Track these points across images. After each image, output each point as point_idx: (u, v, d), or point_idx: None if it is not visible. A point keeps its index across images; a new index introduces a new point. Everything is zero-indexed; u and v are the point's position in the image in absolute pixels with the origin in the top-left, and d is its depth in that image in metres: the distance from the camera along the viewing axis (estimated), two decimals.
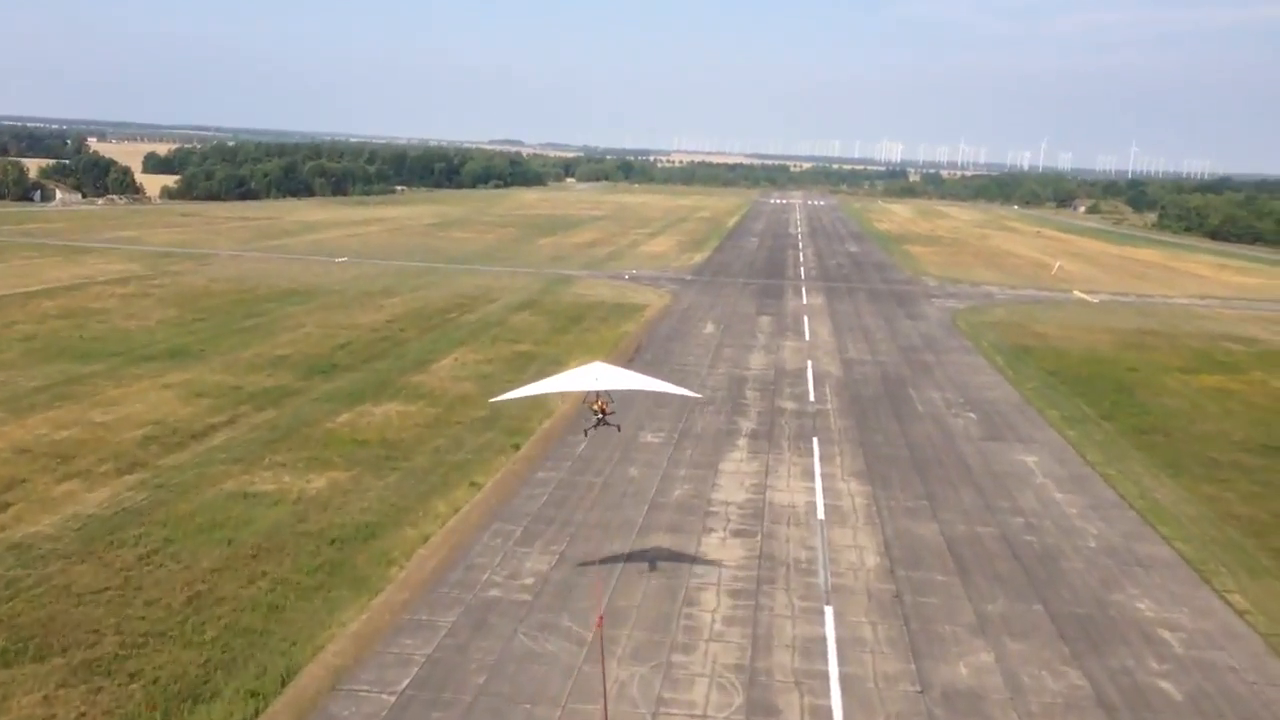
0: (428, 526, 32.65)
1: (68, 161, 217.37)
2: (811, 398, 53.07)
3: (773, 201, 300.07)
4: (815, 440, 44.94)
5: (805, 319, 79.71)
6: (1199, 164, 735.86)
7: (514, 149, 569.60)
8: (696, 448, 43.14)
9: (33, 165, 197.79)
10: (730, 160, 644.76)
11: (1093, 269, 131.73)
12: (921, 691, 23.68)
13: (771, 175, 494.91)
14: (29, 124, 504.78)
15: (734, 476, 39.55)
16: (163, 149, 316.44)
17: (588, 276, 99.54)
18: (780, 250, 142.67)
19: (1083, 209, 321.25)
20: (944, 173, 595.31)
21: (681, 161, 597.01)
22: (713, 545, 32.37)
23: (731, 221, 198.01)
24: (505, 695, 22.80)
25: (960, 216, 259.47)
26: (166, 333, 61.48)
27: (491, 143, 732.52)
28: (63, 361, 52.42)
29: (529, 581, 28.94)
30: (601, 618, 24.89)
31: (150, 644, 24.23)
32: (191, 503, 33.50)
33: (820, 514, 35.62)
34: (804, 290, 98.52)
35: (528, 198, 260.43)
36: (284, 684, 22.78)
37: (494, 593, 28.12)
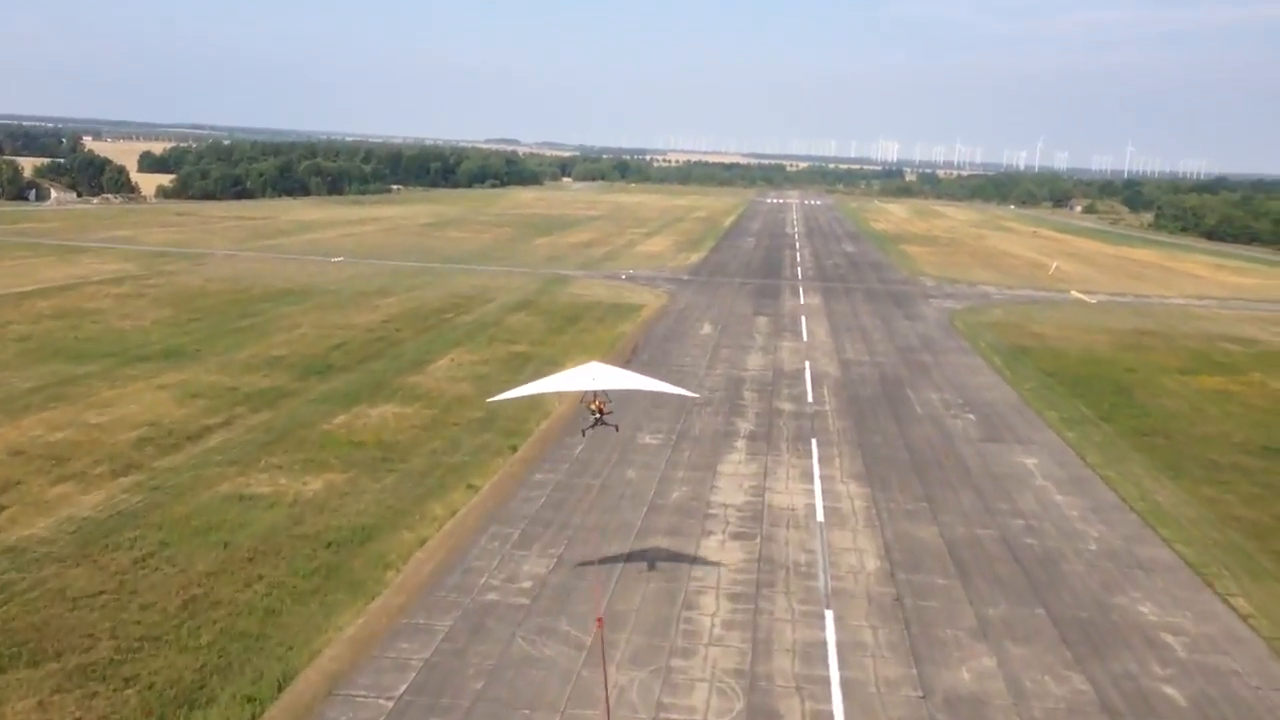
0: (424, 529, 32.44)
1: (63, 160, 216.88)
2: (810, 399, 52.89)
3: (769, 201, 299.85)
4: (814, 442, 44.76)
5: (802, 319, 79.53)
6: (1195, 164, 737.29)
7: (510, 148, 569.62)
8: (695, 449, 42.94)
9: (27, 164, 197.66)
10: (727, 160, 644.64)
11: (1089, 269, 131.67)
12: (923, 697, 23.50)
13: (768, 175, 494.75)
14: (24, 123, 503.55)
15: (732, 478, 39.35)
16: (158, 148, 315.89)
17: (584, 276, 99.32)
18: (777, 250, 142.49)
19: (1079, 209, 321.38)
20: (940, 172, 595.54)
21: (678, 161, 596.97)
22: (712, 548, 32.17)
23: (728, 221, 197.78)
24: (503, 700, 22.60)
25: (957, 216, 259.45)
26: (161, 333, 61.20)
27: (488, 142, 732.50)
28: (57, 362, 52.15)
29: (527, 585, 28.73)
30: (601, 619, 24.71)
31: (145, 649, 24.01)
32: (187, 505, 33.27)
33: (820, 516, 35.43)
34: (801, 290, 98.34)
35: (524, 197, 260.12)
36: (280, 689, 22.58)
37: (491, 596, 27.92)
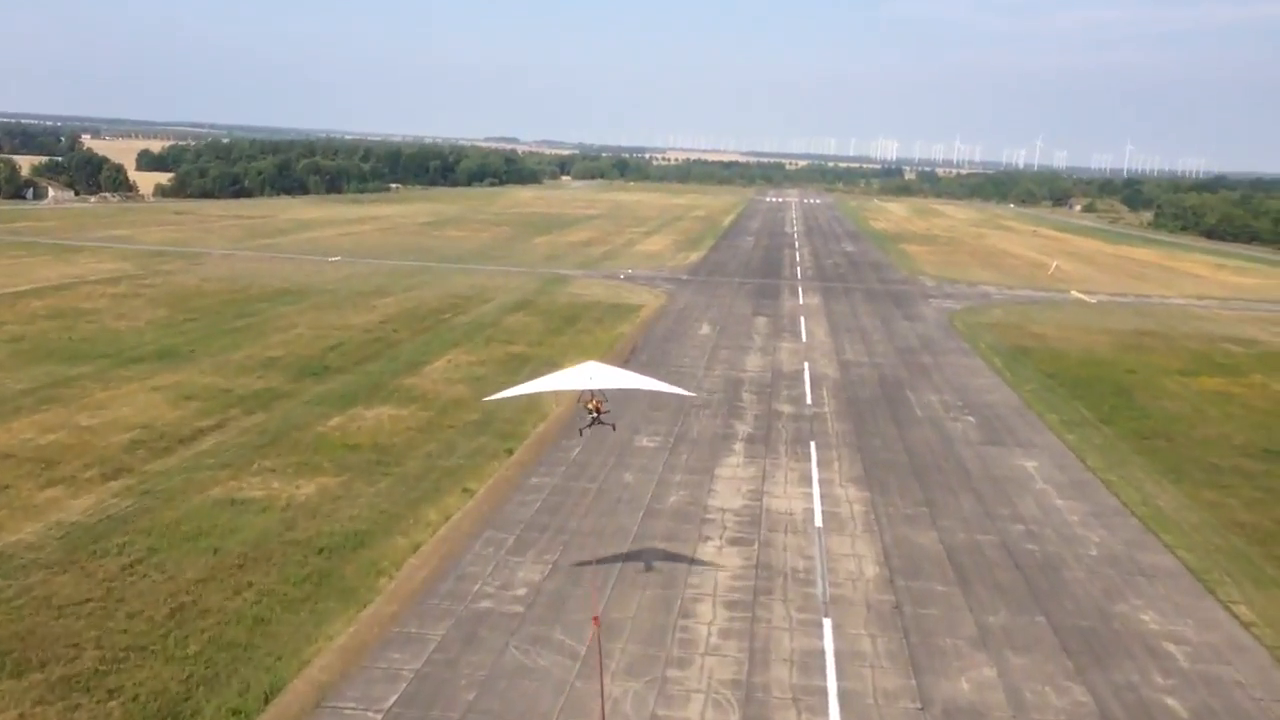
0: (418, 535, 32.04)
1: (60, 159, 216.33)
2: (809, 400, 52.51)
3: (768, 200, 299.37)
4: (813, 445, 44.38)
5: (802, 320, 79.15)
6: (1194, 162, 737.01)
7: (509, 146, 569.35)
8: (692, 452, 42.56)
9: (25, 163, 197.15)
10: (726, 158, 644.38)
11: (1089, 268, 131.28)
12: (922, 709, 23.11)
13: (767, 173, 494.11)
14: (23, 121, 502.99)
15: (730, 482, 38.98)
16: (156, 146, 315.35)
17: (583, 276, 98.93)
18: (776, 249, 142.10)
19: (1078, 208, 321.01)
20: (939, 171, 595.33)
21: (677, 159, 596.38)
22: (709, 554, 31.78)
23: (727, 220, 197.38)
24: (495, 713, 22.22)
25: (956, 215, 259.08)
26: (156, 333, 60.80)
27: (487, 140, 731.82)
28: (50, 363, 51.74)
29: (521, 592, 28.35)
30: (597, 618, 24.40)
31: (131, 659, 23.61)
32: (177, 510, 32.86)
33: (818, 521, 35.05)
34: (800, 290, 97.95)
35: (523, 196, 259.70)
36: (268, 701, 22.18)
37: (485, 604, 27.52)
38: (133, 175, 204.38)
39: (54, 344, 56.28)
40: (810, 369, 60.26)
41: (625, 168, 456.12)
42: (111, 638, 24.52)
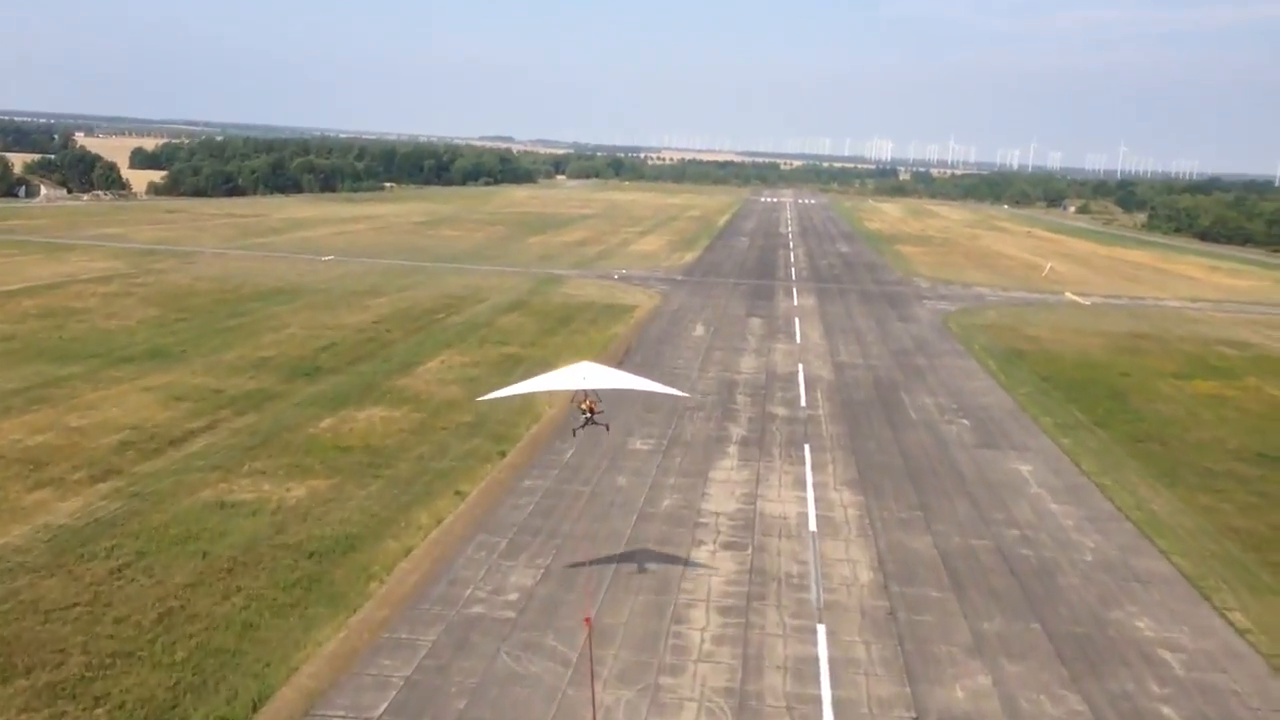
0: (410, 538, 31.79)
1: (53, 157, 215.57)
2: (803, 403, 52.34)
3: (763, 200, 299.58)
4: (807, 447, 44.20)
5: (796, 321, 79.00)
6: (1187, 163, 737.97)
7: (504, 145, 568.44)
8: (686, 455, 42.36)
9: (18, 160, 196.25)
10: (721, 158, 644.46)
11: (1084, 270, 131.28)
12: (916, 717, 22.91)
13: (762, 173, 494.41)
14: (16, 118, 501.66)
15: (724, 485, 38.78)
16: (150, 144, 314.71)
17: (577, 276, 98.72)
18: (771, 250, 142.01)
19: (1073, 209, 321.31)
20: (934, 171, 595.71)
21: (672, 159, 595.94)
22: (702, 559, 31.57)
23: (722, 220, 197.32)
24: None
25: (951, 216, 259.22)
26: (148, 333, 60.47)
27: (482, 139, 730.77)
28: (40, 363, 51.41)
29: (513, 597, 28.11)
30: (589, 619, 24.27)
31: (118, 665, 23.33)
32: (166, 513, 32.57)
33: (812, 525, 34.85)
34: (795, 291, 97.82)
35: (518, 195, 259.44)
36: (256, 709, 21.92)
37: (477, 609, 27.28)
38: (126, 173, 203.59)
39: (44, 343, 55.95)
40: (805, 371, 60.09)
41: (620, 167, 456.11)
42: (98, 643, 24.25)
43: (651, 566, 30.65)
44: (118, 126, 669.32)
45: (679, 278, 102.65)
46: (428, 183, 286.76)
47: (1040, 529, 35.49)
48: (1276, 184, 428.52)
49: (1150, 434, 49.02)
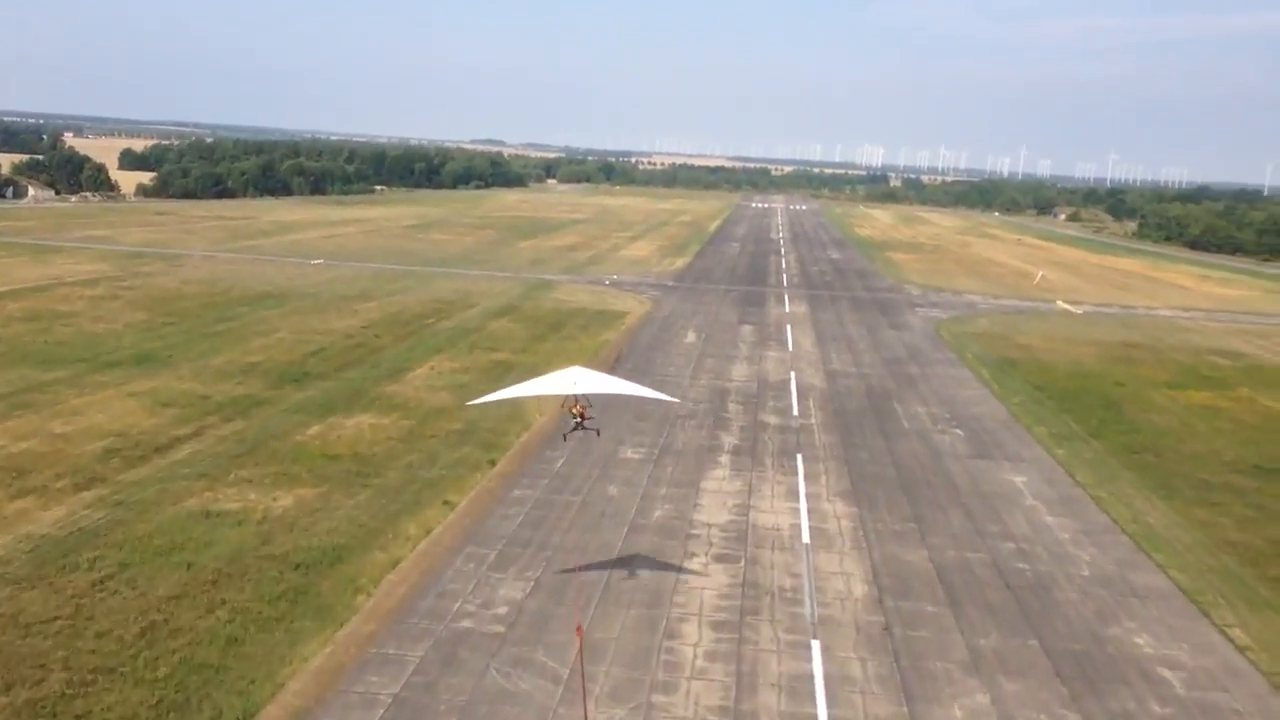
0: (398, 550, 31.31)
1: (41, 158, 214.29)
2: (795, 411, 51.96)
3: (754, 206, 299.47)
4: (799, 457, 43.81)
5: (788, 328, 78.66)
6: (1176, 172, 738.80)
7: (495, 149, 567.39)
8: (678, 465, 41.94)
9: (5, 161, 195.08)
10: (712, 163, 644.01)
11: (1075, 278, 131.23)
12: None
13: (753, 179, 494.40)
14: (4, 118, 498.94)
15: (716, 496, 38.37)
16: (139, 145, 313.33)
17: (568, 281, 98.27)
18: (762, 256, 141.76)
19: (1063, 217, 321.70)
20: (924, 178, 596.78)
21: (663, 164, 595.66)
22: (694, 572, 31.14)
23: (713, 226, 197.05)
24: None
25: (941, 223, 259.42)
26: (134, 337, 59.85)
27: (473, 142, 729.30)
28: (25, 367, 50.78)
29: (502, 611, 27.65)
30: (580, 627, 23.92)
31: (100, 682, 22.81)
32: (151, 523, 32.03)
33: (805, 537, 34.47)
34: (786, 298, 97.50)
35: (509, 199, 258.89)
36: None
37: (465, 624, 26.82)
38: (115, 174, 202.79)
39: (29, 347, 55.30)
40: (797, 379, 59.73)
41: (611, 171, 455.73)
42: (80, 658, 23.73)
43: (643, 579, 30.21)
44: (107, 127, 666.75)
45: (670, 284, 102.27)
46: (418, 186, 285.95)
47: (1036, 542, 35.14)
48: (1266, 193, 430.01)
49: (1145, 445, 48.73)
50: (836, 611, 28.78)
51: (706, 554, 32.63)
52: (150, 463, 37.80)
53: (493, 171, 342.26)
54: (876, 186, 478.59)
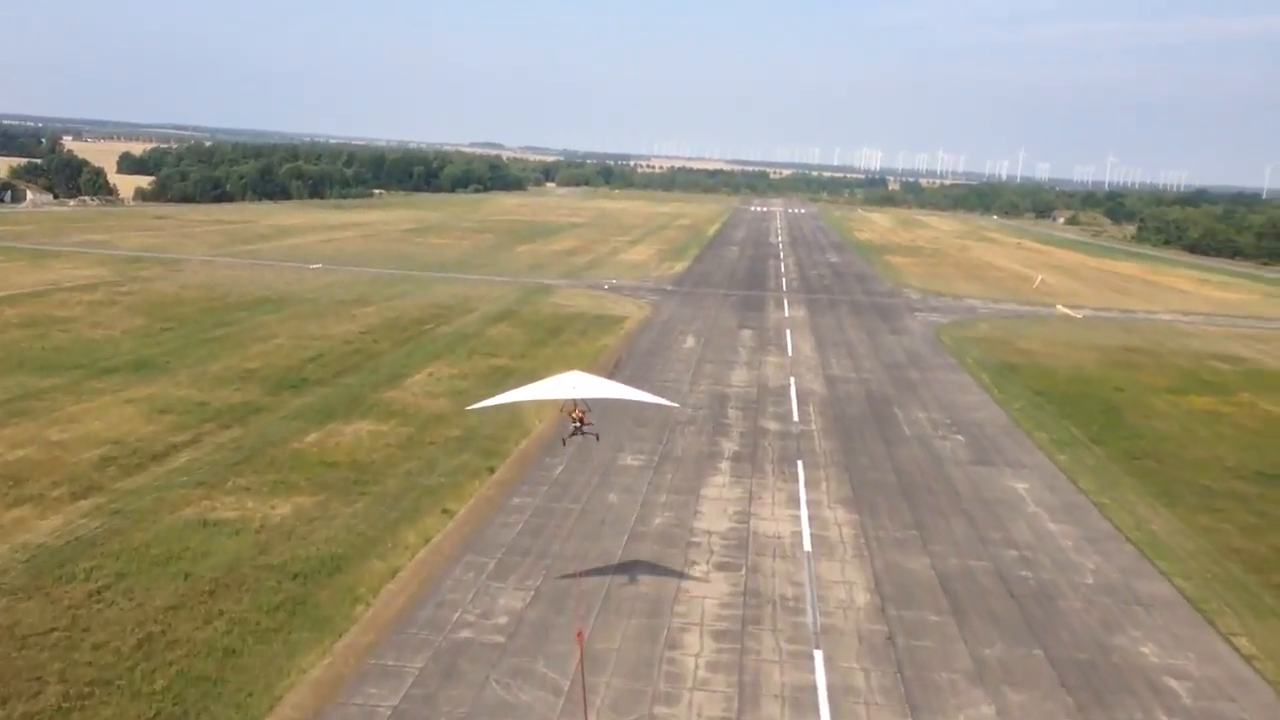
0: (396, 559, 31.08)
1: (40, 161, 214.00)
2: (795, 417, 51.74)
3: (753, 209, 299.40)
4: (800, 464, 43.60)
5: (787, 333, 78.46)
6: (1175, 175, 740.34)
7: (494, 152, 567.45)
8: (677, 471, 41.72)
9: (4, 164, 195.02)
10: (710, 166, 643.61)
11: (1074, 282, 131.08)
12: None
13: (752, 182, 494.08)
14: (3, 121, 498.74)
15: (717, 503, 38.15)
16: (138, 149, 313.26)
17: (567, 286, 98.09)
18: (761, 260, 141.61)
19: (1061, 220, 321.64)
20: (923, 181, 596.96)
21: (662, 167, 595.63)
22: (695, 580, 30.92)
23: (712, 230, 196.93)
24: None
25: (940, 226, 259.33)
26: (132, 343, 59.61)
27: (471, 145, 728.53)
28: (22, 374, 50.53)
29: (502, 621, 27.43)
30: (581, 633, 23.71)
31: (96, 694, 22.58)
32: (148, 532, 31.79)
33: (807, 545, 34.25)
34: (785, 302, 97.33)
35: (507, 203, 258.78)
36: None
37: (465, 634, 26.59)
38: (113, 178, 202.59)
39: (26, 353, 55.06)
40: (796, 384, 59.54)
41: (610, 175, 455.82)
42: (76, 670, 23.49)
43: (644, 588, 30.00)
44: (106, 130, 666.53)
45: (669, 288, 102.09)
46: (417, 189, 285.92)
47: (1039, 550, 34.93)
48: (1264, 196, 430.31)
49: (1147, 451, 48.53)
50: (839, 621, 28.57)
51: (707, 562, 32.42)
52: (147, 471, 37.57)
53: (491, 175, 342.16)
54: (875, 190, 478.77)
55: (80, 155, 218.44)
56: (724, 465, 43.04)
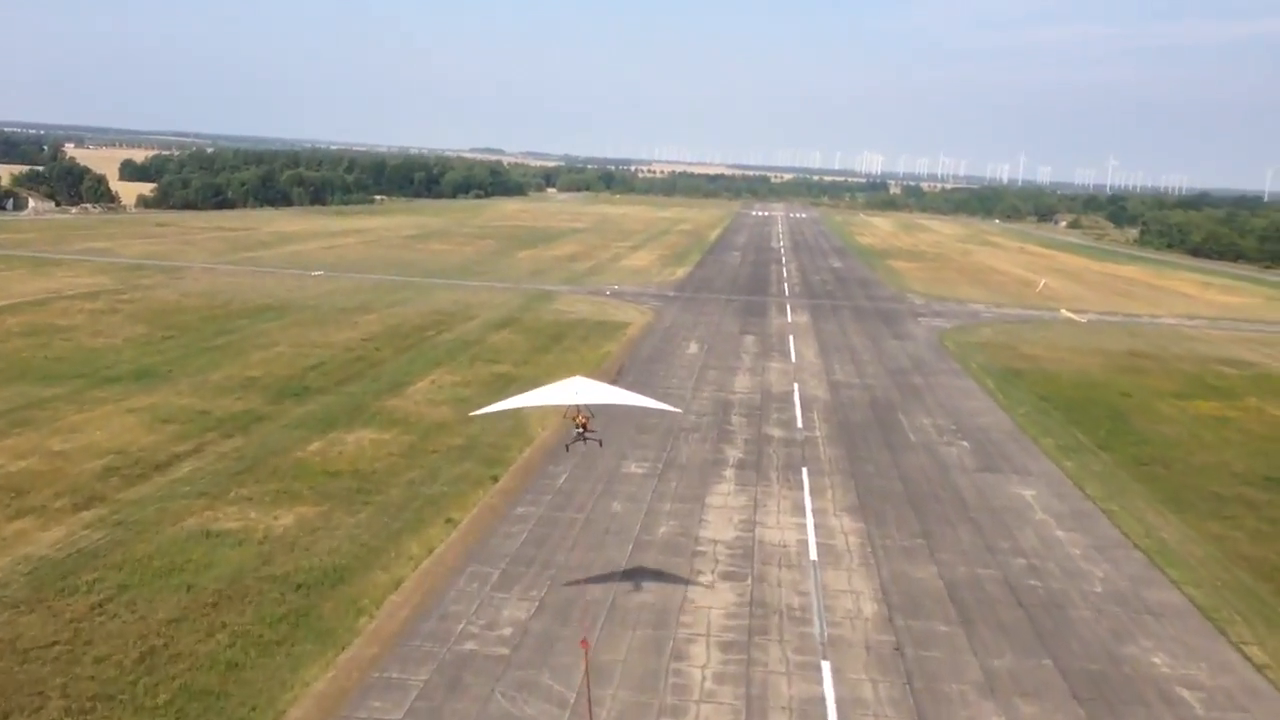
0: (400, 569, 30.85)
1: (42, 169, 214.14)
2: (799, 424, 51.51)
3: (754, 214, 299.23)
4: (805, 471, 43.36)
5: (790, 338, 78.22)
6: (1176, 178, 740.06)
7: (495, 158, 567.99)
8: (682, 479, 41.48)
9: (6, 172, 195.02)
10: (711, 171, 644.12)
11: (1078, 286, 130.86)
12: None
13: (753, 186, 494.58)
14: (5, 129, 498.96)
15: (722, 511, 37.91)
16: (140, 156, 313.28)
17: (568, 292, 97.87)
18: (763, 265, 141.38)
19: (1064, 224, 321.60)
20: (924, 185, 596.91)
21: (663, 172, 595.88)
22: (701, 590, 30.68)
23: (713, 235, 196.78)
24: None
25: (942, 230, 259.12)
26: (134, 352, 59.40)
27: (472, 151, 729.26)
28: (23, 384, 50.33)
29: (507, 632, 27.19)
30: (586, 640, 23.49)
31: (99, 709, 22.35)
32: (150, 543, 31.57)
33: (813, 554, 34.01)
34: (788, 308, 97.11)
35: (508, 208, 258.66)
36: None
37: (470, 646, 26.36)
38: (115, 186, 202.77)
39: (28, 363, 54.87)
40: (800, 390, 59.30)
41: (611, 180, 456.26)
42: (78, 685, 23.26)
43: (649, 598, 29.76)
44: (108, 137, 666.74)
45: (671, 294, 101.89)
46: (418, 195, 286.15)
47: (1047, 558, 34.67)
48: (1266, 199, 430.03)
49: (1154, 457, 48.27)
50: (846, 631, 28.32)
51: (713, 571, 32.19)
52: (150, 481, 37.35)
53: (492, 180, 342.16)
54: (876, 194, 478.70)
55: (82, 162, 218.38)
56: (728, 473, 42.80)
